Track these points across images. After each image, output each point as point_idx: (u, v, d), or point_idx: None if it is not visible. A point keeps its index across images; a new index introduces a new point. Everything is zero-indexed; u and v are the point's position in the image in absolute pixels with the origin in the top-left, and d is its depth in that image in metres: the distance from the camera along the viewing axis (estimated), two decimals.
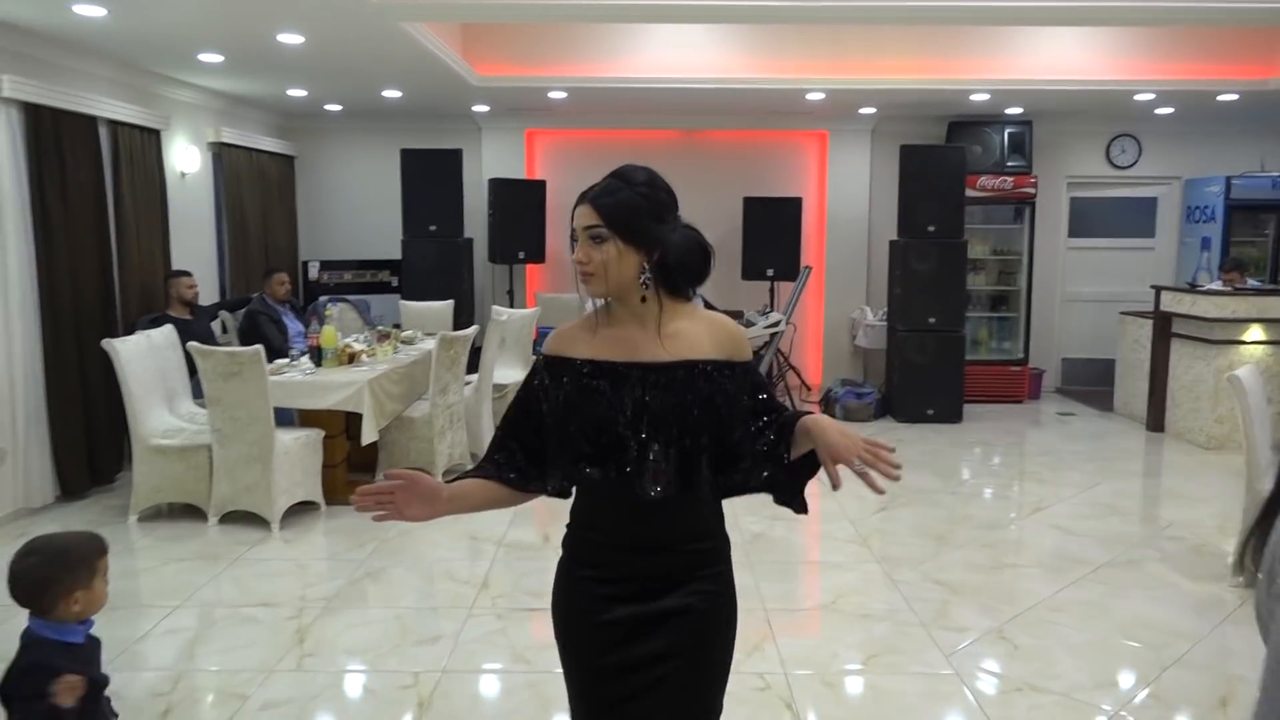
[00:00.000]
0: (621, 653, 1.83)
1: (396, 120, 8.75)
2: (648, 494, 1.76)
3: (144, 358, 5.30)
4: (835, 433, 1.72)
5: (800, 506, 1.86)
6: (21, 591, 2.05)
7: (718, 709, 1.91)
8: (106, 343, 5.05)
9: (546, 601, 1.95)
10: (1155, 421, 7.45)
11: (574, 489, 1.85)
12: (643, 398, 1.78)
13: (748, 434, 1.83)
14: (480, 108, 8.33)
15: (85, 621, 2.10)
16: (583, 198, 1.81)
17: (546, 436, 1.84)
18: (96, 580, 2.10)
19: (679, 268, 1.82)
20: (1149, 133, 8.91)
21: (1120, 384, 8.16)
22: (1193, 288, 7.45)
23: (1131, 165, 9.03)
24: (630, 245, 1.76)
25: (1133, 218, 9.27)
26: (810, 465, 1.81)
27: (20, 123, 5.15)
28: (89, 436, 5.68)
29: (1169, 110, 8.14)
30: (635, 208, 1.77)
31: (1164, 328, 7.37)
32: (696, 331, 1.84)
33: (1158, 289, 7.49)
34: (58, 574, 2.04)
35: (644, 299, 1.80)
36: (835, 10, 5.11)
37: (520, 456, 1.86)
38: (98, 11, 4.62)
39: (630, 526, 1.82)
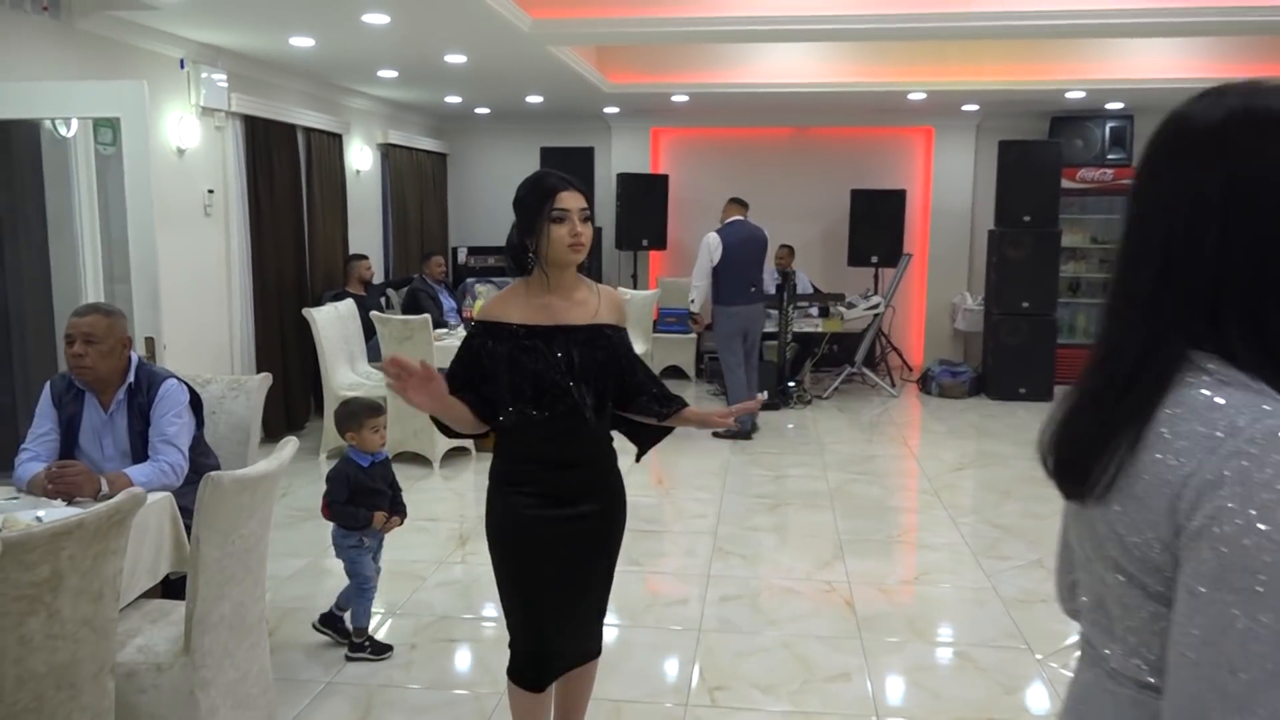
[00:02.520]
0: (549, 547, 2.38)
1: (536, 121, 9.77)
2: (588, 423, 2.34)
3: (333, 325, 6.43)
4: (711, 420, 2.53)
5: (642, 453, 2.59)
6: (336, 425, 3.63)
7: (613, 569, 2.57)
8: (307, 311, 6.20)
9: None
10: None
11: (508, 427, 2.36)
12: (570, 353, 2.33)
13: (640, 378, 2.46)
14: (610, 109, 9.25)
15: (373, 454, 3.50)
16: (566, 185, 2.30)
17: (490, 384, 2.34)
18: (365, 430, 3.48)
19: None
20: None
21: None
22: None
23: None
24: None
25: None
26: (661, 433, 2.53)
27: (241, 132, 6.33)
28: (286, 389, 6.88)
29: None
30: None
31: None
32: (595, 300, 2.41)
33: None
34: (341, 422, 3.54)
35: (581, 270, 2.40)
36: (937, 30, 5.73)
37: (474, 399, 2.36)
38: (308, 42, 5.73)
39: (552, 450, 2.36)
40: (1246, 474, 0.85)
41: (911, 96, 8.14)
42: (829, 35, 6.33)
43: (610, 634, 3.75)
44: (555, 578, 2.41)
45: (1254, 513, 0.84)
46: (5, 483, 2.99)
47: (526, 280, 2.37)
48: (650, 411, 2.48)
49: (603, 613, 2.62)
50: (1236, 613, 0.84)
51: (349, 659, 3.51)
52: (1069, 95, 8.01)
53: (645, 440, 2.59)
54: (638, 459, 2.61)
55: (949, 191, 9.54)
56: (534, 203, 2.29)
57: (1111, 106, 8.71)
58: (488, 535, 2.46)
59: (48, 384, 3.15)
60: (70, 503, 2.75)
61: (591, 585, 2.50)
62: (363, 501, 3.50)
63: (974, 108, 8.91)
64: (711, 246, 6.89)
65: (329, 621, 3.63)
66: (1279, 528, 0.83)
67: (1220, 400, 0.91)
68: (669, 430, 2.54)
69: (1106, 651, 1.02)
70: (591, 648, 2.63)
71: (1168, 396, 0.94)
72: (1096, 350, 1.03)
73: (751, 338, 7.08)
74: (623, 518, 2.54)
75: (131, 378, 3.14)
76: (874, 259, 9.07)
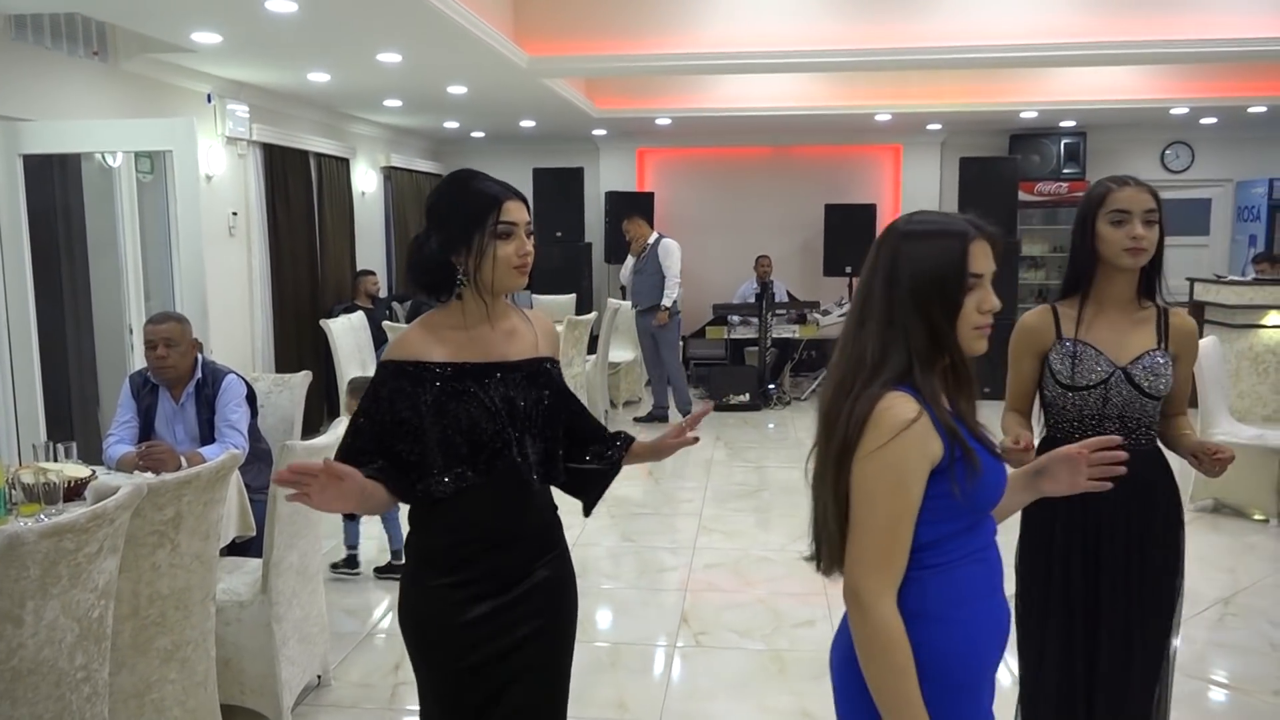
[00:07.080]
0: (485, 649, 1.84)
1: (529, 143, 10.36)
2: (531, 486, 1.85)
3: (347, 334, 6.98)
4: (666, 444, 2.09)
5: (590, 508, 2.08)
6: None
7: (569, 673, 2.01)
8: (324, 322, 6.75)
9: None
10: (1189, 398, 8.39)
11: (442, 496, 1.80)
12: (509, 395, 1.83)
13: (589, 421, 2.02)
14: (599, 132, 9.85)
15: None
16: (510, 193, 1.84)
17: (410, 443, 1.79)
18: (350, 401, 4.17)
19: None
20: (1200, 139, 9.78)
21: None
22: (1219, 279, 8.36)
23: (1185, 170, 9.91)
24: None
25: (1188, 217, 10.13)
26: (606, 481, 2.05)
27: (260, 158, 6.89)
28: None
29: (1213, 120, 9.04)
30: None
31: (1197, 315, 8.32)
32: (529, 329, 1.93)
33: (1192, 280, 8.44)
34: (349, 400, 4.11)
35: (510, 295, 1.91)
36: (899, 63, 6.34)
37: (386, 469, 1.80)
38: (324, 77, 6.30)
39: (493, 521, 1.84)
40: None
41: (879, 118, 8.77)
42: (800, 68, 6.93)
43: (607, 594, 4.31)
44: (495, 689, 1.88)
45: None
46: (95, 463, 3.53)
47: (447, 308, 1.87)
48: (600, 457, 2.05)
49: None
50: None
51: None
52: (1023, 115, 8.65)
53: (591, 490, 2.07)
54: (586, 513, 2.11)
55: (917, 205, 10.06)
56: (470, 213, 1.82)
57: (1065, 124, 9.36)
58: (404, 633, 1.91)
59: (127, 379, 3.70)
60: (157, 475, 3.29)
61: (532, 685, 1.93)
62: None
63: (938, 126, 9.54)
64: (679, 251, 7.71)
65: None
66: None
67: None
68: (613, 475, 2.08)
69: None
70: None
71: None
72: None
73: None
74: (573, 589, 2.02)
75: (199, 374, 3.69)
76: (848, 269, 9.65)
